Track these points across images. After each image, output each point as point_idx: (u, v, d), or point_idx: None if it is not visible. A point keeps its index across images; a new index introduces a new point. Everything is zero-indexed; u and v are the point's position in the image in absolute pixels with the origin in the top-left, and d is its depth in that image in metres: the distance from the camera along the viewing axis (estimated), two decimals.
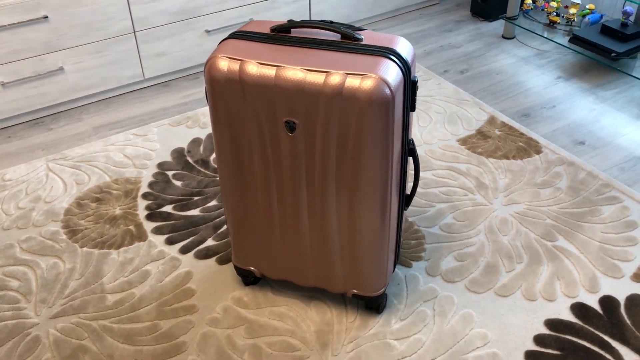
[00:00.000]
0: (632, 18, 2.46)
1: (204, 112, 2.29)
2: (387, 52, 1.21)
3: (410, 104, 1.27)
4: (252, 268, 1.53)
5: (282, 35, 1.27)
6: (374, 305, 1.49)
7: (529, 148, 2.05)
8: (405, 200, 1.44)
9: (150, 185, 1.94)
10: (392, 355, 1.40)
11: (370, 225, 1.33)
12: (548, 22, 2.65)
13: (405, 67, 1.21)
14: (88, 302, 1.55)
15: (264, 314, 1.51)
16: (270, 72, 1.19)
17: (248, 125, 1.26)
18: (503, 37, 2.78)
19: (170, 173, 1.99)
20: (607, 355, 1.39)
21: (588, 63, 2.55)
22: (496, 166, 1.98)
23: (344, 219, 1.34)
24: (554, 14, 2.65)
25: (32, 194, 1.92)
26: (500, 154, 2.03)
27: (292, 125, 1.23)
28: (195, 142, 2.14)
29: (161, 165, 2.03)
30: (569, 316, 1.48)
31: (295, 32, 1.29)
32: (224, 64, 1.22)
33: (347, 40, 1.25)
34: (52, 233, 1.77)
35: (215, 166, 2.01)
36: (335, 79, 1.16)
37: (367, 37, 1.26)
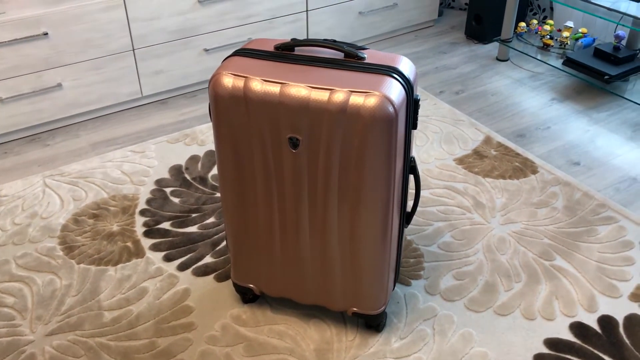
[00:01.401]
0: (624, 42, 2.50)
1: (202, 130, 2.29)
2: (390, 71, 1.22)
3: (412, 121, 1.28)
4: (251, 285, 1.52)
5: (286, 53, 1.29)
6: (374, 323, 1.48)
7: (525, 168, 2.07)
8: (406, 217, 1.44)
9: (148, 201, 1.94)
10: None
11: (372, 243, 1.33)
12: (542, 45, 2.70)
13: (408, 86, 1.23)
14: (85, 319, 1.54)
15: (262, 332, 1.50)
16: (275, 89, 1.20)
17: (251, 141, 1.27)
18: (497, 59, 2.82)
19: (168, 190, 1.99)
20: None
21: (581, 85, 2.59)
22: (493, 185, 1.99)
23: (345, 236, 1.34)
24: (548, 37, 2.69)
25: (28, 209, 1.91)
26: (496, 173, 2.04)
27: (296, 141, 1.24)
28: (193, 159, 2.14)
29: (159, 182, 2.02)
30: (568, 335, 1.48)
31: (299, 51, 1.30)
32: (228, 81, 1.23)
33: (350, 58, 1.26)
34: (49, 249, 1.76)
35: (213, 183, 2.01)
36: (339, 96, 1.17)
37: (370, 55, 1.28)
